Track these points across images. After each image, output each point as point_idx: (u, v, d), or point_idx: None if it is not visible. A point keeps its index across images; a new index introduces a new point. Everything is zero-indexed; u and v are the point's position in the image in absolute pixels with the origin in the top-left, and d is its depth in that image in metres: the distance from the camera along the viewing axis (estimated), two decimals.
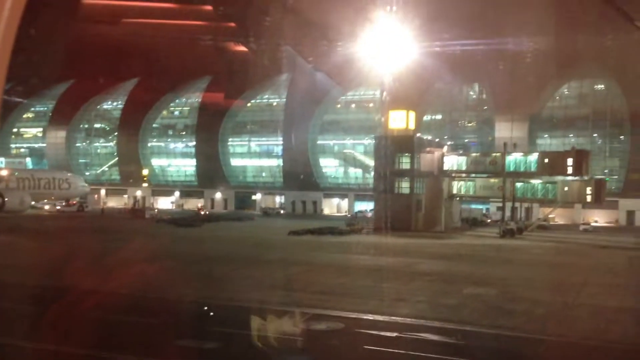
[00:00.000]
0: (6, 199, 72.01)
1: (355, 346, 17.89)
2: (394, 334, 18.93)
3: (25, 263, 32.83)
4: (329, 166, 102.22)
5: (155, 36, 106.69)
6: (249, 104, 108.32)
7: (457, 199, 73.75)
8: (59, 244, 43.01)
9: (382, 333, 18.99)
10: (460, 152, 77.81)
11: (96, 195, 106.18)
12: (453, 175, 71.57)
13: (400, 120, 69.68)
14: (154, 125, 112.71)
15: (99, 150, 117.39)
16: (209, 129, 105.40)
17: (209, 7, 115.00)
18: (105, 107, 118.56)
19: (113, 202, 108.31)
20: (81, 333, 17.01)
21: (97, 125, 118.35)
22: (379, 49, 65.97)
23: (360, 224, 65.65)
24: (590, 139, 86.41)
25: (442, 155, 70.98)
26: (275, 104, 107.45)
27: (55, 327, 17.57)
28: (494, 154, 69.97)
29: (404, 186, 67.65)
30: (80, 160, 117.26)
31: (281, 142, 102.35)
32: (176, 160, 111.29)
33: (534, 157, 66.47)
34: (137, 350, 16.44)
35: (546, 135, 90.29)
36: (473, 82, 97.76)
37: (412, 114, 71.70)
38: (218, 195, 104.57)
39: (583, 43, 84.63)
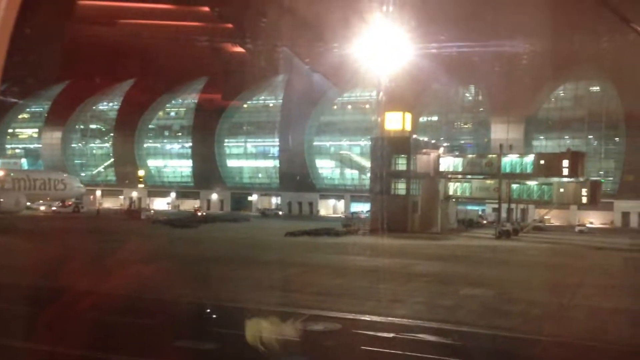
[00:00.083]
0: (1, 200, 71.69)
1: (352, 347, 17.90)
2: (391, 335, 18.96)
3: (19, 264, 32.74)
4: (325, 167, 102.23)
5: (151, 37, 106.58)
6: (245, 105, 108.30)
7: (453, 200, 73.89)
8: (54, 245, 42.92)
9: (379, 334, 19.02)
10: (456, 153, 77.98)
11: (92, 196, 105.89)
12: (449, 176, 71.69)
13: (396, 122, 69.76)
14: (150, 126, 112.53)
15: (94, 151, 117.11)
16: (205, 130, 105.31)
17: (205, 8, 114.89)
18: (101, 107, 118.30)
19: (109, 203, 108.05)
20: (74, 334, 16.99)
21: (92, 126, 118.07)
22: (375, 51, 66.07)
23: (356, 225, 65.66)
24: (585, 141, 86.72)
25: (438, 157, 71.11)
26: (271, 105, 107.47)
27: (47, 328, 17.57)
28: (490, 156, 70.19)
29: (400, 187, 67.74)
30: (76, 161, 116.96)
31: (277, 143, 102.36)
32: (172, 161, 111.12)
33: (529, 158, 66.68)
34: (132, 351, 16.42)
35: (542, 137, 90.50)
36: (469, 84, 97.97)
37: (409, 116, 71.78)
38: (214, 196, 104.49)
39: (579, 45, 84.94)
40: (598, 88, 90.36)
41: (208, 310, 21.81)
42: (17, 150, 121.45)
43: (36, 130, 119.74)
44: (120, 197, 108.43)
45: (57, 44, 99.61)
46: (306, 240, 53.15)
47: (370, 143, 77.43)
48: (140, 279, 26.08)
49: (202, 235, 57.07)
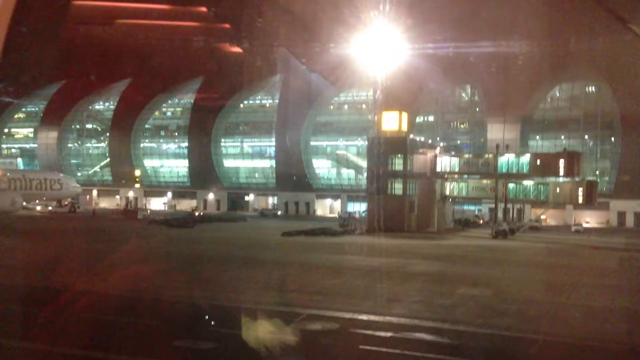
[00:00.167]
0: None
1: (350, 346, 17.91)
2: (389, 334, 19.00)
3: (14, 264, 32.69)
4: (322, 167, 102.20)
5: (148, 37, 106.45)
6: (241, 105, 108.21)
7: (450, 200, 74.01)
8: (51, 246, 42.87)
9: (377, 333, 19.05)
10: (453, 153, 78.06)
11: (88, 196, 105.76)
12: (446, 176, 71.81)
13: (393, 122, 69.84)
14: (146, 125, 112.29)
15: (90, 151, 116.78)
16: (202, 130, 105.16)
17: (202, 8, 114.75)
18: (97, 107, 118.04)
19: (105, 203, 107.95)
20: (66, 333, 17.00)
21: (89, 126, 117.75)
22: (372, 50, 66.15)
23: (353, 224, 65.72)
24: (581, 141, 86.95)
25: (435, 157, 71.21)
26: (268, 104, 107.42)
27: (42, 327, 17.57)
28: (487, 155, 70.33)
29: (397, 187, 67.83)
30: (72, 161, 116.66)
31: (274, 143, 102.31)
32: (169, 161, 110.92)
33: (526, 158, 66.81)
34: (128, 350, 16.41)
35: (538, 137, 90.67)
36: (465, 84, 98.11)
37: (405, 115, 71.88)
38: (211, 196, 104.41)
39: (575, 45, 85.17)
40: (594, 88, 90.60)
41: (205, 310, 21.80)
42: (13, 150, 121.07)
43: (32, 130, 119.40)
44: (116, 197, 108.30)
45: (53, 43, 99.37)
46: (303, 240, 53.17)
47: (366, 143, 77.48)
48: (135, 279, 26.12)
49: (199, 235, 57.03)
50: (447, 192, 72.12)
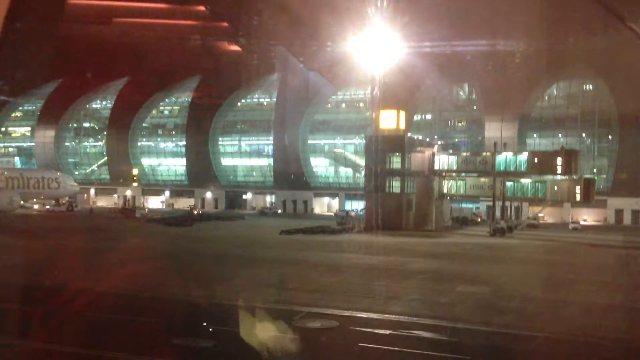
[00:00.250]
0: None
1: (350, 344, 17.95)
2: (388, 332, 19.04)
3: (12, 263, 32.66)
4: (320, 166, 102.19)
5: (145, 35, 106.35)
6: (239, 104, 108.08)
7: (448, 198, 74.07)
8: (49, 244, 42.85)
9: (377, 331, 19.10)
10: (451, 151, 78.11)
11: (85, 195, 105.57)
12: (443, 174, 71.86)
13: (390, 120, 69.83)
14: (143, 124, 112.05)
15: (88, 150, 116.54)
16: (199, 128, 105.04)
17: (200, 7, 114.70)
18: (94, 106, 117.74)
19: (103, 202, 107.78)
20: (62, 330, 17.01)
21: (86, 125, 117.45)
22: (369, 49, 66.11)
23: (351, 223, 65.74)
24: (579, 139, 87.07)
25: (433, 155, 71.22)
26: (265, 103, 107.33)
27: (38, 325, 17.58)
28: (484, 154, 70.39)
29: (395, 185, 67.88)
30: (69, 160, 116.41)
31: (272, 142, 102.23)
32: (166, 159, 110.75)
33: (523, 156, 66.92)
34: (126, 349, 16.44)
35: (535, 135, 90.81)
36: (463, 82, 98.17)
37: (403, 114, 71.87)
38: (208, 195, 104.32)
39: (572, 43, 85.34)
40: (591, 86, 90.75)
41: (202, 308, 21.81)
42: (10, 149, 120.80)
43: (29, 128, 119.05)
44: (114, 195, 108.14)
45: (50, 42, 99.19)
46: (301, 238, 53.19)
47: (364, 141, 77.50)
48: (132, 278, 26.11)
49: (197, 233, 57.02)
50: (445, 190, 72.19)
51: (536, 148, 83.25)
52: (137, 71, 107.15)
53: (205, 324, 19.32)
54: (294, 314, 20.82)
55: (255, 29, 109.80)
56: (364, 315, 21.33)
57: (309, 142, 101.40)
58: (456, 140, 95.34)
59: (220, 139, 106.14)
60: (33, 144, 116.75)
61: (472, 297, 25.88)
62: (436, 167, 70.68)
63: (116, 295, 22.90)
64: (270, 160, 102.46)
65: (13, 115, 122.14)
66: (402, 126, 71.21)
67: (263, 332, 17.91)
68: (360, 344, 17.65)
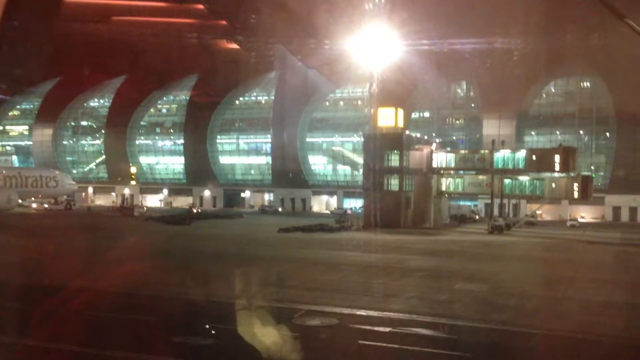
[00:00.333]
0: None
1: (349, 341, 17.99)
2: (387, 329, 19.09)
3: (9, 261, 32.63)
4: (318, 164, 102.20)
5: (143, 33, 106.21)
6: (237, 102, 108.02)
7: (446, 195, 74.14)
8: (48, 243, 42.83)
9: (376, 328, 19.15)
10: (449, 149, 78.20)
11: (84, 194, 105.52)
12: (442, 172, 71.92)
13: (389, 118, 69.81)
14: (141, 122, 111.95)
15: (86, 148, 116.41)
16: (198, 127, 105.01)
17: (199, 5, 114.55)
18: (92, 104, 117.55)
19: (101, 201, 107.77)
20: (68, 330, 17.03)
21: (84, 123, 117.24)
22: (368, 47, 66.15)
23: (350, 220, 65.81)
24: (576, 136, 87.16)
25: (431, 153, 71.27)
26: (264, 101, 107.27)
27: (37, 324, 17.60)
28: (482, 151, 70.45)
29: (393, 183, 67.89)
30: (67, 158, 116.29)
31: (270, 140, 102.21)
32: (164, 158, 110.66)
33: (521, 154, 66.98)
34: (126, 347, 16.46)
35: (533, 133, 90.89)
36: (461, 80, 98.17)
37: (401, 111, 71.85)
38: (207, 193, 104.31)
39: (570, 40, 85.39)
40: (589, 84, 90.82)
41: (201, 307, 21.84)
42: (8, 148, 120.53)
43: (27, 127, 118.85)
44: (112, 194, 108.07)
45: (48, 40, 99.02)
46: (300, 236, 53.21)
47: (362, 139, 77.52)
48: (131, 276, 26.11)
49: (196, 232, 57.06)
50: (443, 188, 72.26)
51: (534, 145, 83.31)
52: (135, 69, 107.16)
53: (204, 322, 19.35)
54: (294, 312, 20.87)
55: (254, 27, 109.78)
56: (363, 312, 21.38)
57: (307, 140, 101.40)
58: (454, 137, 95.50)
59: (218, 137, 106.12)
60: (31, 142, 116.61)
61: (471, 295, 25.96)
62: (434, 164, 70.74)
63: (114, 294, 22.92)
64: (269, 159, 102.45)
65: (11, 113, 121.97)
66: (400, 124, 71.21)
67: (262, 330, 17.93)
68: (359, 342, 17.70)
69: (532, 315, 22.36)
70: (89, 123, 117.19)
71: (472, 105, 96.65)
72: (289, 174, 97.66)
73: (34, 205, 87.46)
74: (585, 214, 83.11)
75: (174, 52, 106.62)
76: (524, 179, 67.52)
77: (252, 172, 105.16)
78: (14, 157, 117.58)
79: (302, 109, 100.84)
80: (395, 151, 68.27)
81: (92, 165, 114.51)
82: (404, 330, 19.00)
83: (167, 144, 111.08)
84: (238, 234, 55.32)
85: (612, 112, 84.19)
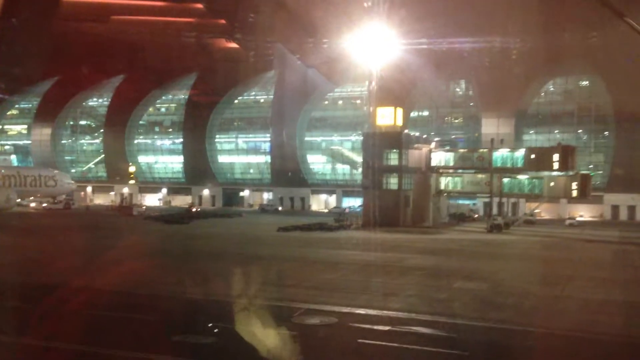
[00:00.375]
0: None
1: (349, 340, 18.01)
2: (387, 328, 19.11)
3: (8, 261, 32.65)
4: (317, 162, 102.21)
5: (142, 33, 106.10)
6: (236, 101, 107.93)
7: (445, 194, 74.17)
8: (47, 243, 42.84)
9: (375, 327, 19.17)
10: (448, 148, 78.21)
11: (82, 193, 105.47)
12: (440, 171, 71.93)
13: (387, 117, 69.81)
14: (140, 122, 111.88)
15: (85, 147, 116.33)
16: (196, 126, 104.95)
17: (197, 4, 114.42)
18: (91, 103, 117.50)
19: (100, 200, 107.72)
20: (67, 329, 17.04)
21: (83, 122, 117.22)
22: (367, 46, 66.13)
23: (349, 219, 65.86)
24: (575, 135, 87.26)
25: (430, 152, 71.31)
26: (263, 100, 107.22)
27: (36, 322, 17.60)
28: (481, 150, 70.46)
29: (392, 182, 67.89)
30: (66, 158, 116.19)
31: (269, 139, 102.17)
32: (163, 157, 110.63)
33: (520, 152, 67.00)
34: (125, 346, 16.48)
35: (532, 132, 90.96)
36: (460, 79, 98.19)
37: (400, 111, 71.86)
38: (206, 192, 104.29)
39: (569, 39, 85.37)
40: (588, 82, 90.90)
41: (201, 305, 21.86)
42: (7, 147, 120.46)
43: (25, 126, 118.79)
44: (111, 193, 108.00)
45: (46, 40, 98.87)
46: (299, 235, 53.20)
47: (361, 138, 77.51)
48: (130, 275, 26.13)
49: (195, 231, 57.02)
50: (442, 187, 72.26)
51: (533, 144, 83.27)
52: (134, 68, 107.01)
53: (203, 321, 19.36)
54: (293, 311, 20.89)
55: (252, 26, 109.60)
56: (362, 311, 21.41)
57: (306, 139, 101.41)
58: (453, 136, 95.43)
59: (217, 136, 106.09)
60: (30, 141, 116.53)
61: (470, 293, 25.98)
62: (433, 163, 70.77)
63: (113, 293, 22.93)
64: (268, 158, 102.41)
65: (10, 113, 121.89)
66: (399, 123, 71.21)
67: (262, 328, 17.95)
68: (359, 340, 17.73)
69: (531, 314, 22.39)
70: (88, 122, 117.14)
71: (471, 104, 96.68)
72: (288, 173, 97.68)
73: (33, 205, 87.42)
74: (584, 213, 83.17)
75: (172, 51, 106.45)
76: (523, 177, 67.53)
77: (251, 171, 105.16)
78: (13, 157, 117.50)
79: (301, 107, 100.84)
80: (394, 150, 68.28)
81: (91, 165, 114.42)
82: (403, 329, 19.03)
83: (166, 143, 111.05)
84: (237, 232, 55.32)
85: (611, 111, 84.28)
